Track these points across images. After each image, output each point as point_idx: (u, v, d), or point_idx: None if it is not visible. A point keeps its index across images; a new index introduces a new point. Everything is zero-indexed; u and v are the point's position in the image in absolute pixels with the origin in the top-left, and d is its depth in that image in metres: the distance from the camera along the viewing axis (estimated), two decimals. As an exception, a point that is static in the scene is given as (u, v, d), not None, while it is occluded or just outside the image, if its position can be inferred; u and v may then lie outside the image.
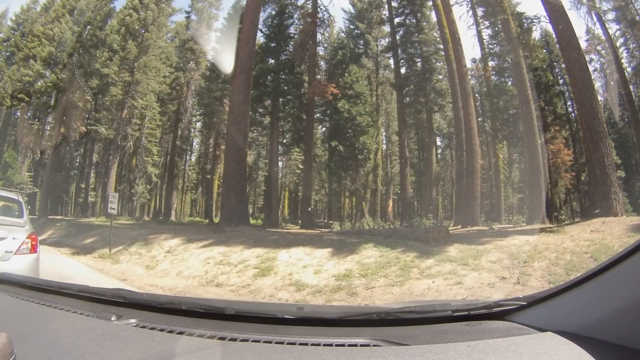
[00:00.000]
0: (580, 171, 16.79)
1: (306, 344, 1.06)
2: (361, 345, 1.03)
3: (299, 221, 20.72)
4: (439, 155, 27.30)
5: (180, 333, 1.19)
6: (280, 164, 28.51)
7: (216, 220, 19.32)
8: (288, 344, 1.07)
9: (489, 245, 7.18)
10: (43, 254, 5.19)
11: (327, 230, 14.98)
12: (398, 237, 8.78)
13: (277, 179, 24.75)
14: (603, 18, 20.61)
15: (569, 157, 15.79)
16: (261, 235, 10.44)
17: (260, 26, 18.45)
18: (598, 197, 10.63)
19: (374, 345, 1.03)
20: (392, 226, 13.20)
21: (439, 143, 27.94)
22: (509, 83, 21.14)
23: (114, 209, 11.20)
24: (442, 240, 7.78)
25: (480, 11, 21.01)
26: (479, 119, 21.53)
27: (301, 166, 24.82)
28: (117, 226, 13.16)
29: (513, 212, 22.85)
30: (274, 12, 21.14)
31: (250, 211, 23.20)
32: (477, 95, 23.36)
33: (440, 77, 22.08)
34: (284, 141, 23.31)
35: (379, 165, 24.22)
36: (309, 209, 20.95)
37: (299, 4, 20.76)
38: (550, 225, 11.50)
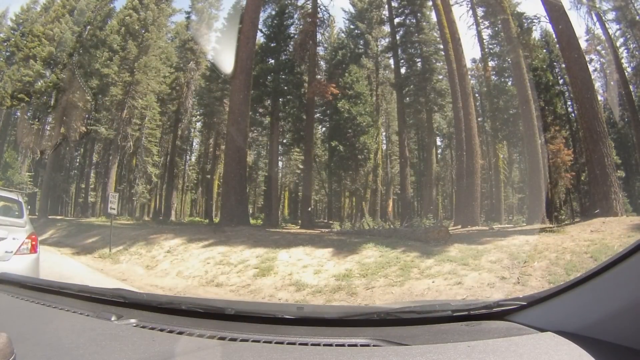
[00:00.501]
0: (580, 171, 16.77)
1: (306, 344, 1.06)
2: (361, 345, 1.03)
3: (299, 221, 20.71)
4: (439, 155, 27.32)
5: (180, 333, 1.19)
6: (280, 164, 28.54)
7: (216, 220, 19.32)
8: (288, 344, 1.07)
9: (489, 245, 7.18)
10: (43, 254, 5.20)
11: (327, 230, 14.97)
12: (398, 237, 8.78)
13: (277, 179, 24.75)
14: (603, 18, 20.63)
15: (569, 157, 15.77)
16: (261, 235, 10.44)
17: (260, 26, 18.47)
18: (598, 197, 10.63)
19: (374, 345, 1.03)
20: (392, 226, 13.20)
21: (439, 143, 28.01)
22: (509, 83, 21.15)
23: (114, 209, 11.21)
24: (442, 240, 7.78)
25: (480, 11, 21.06)
26: (479, 119, 21.53)
27: (301, 166, 24.82)
28: (117, 226, 13.16)
29: (513, 212, 22.86)
30: (274, 12, 21.19)
31: (250, 211, 23.20)
32: (477, 95, 23.37)
33: (440, 77, 22.09)
34: (284, 141, 23.33)
35: (379, 165, 24.21)
36: (309, 209, 20.94)
37: (299, 4, 20.81)
38: (550, 225, 11.49)
